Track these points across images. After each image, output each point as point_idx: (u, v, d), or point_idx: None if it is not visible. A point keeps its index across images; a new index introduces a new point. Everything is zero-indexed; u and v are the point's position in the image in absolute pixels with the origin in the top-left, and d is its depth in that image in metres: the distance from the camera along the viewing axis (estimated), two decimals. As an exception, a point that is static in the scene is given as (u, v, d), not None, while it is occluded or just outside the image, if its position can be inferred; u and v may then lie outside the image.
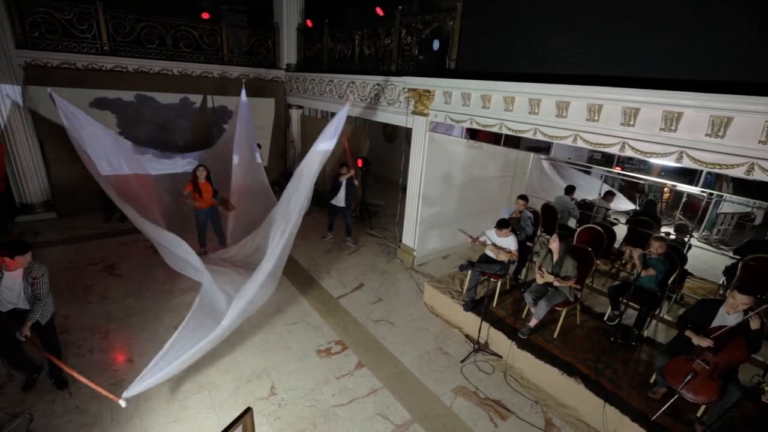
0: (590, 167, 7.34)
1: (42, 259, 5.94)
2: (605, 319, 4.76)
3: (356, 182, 6.72)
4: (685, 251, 5.21)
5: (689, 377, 3.11)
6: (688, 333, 3.23)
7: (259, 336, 4.51)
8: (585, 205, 7.11)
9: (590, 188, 7.83)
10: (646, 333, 4.50)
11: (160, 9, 7.94)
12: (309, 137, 9.58)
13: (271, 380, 3.88)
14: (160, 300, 5.04)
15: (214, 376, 3.86)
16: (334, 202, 6.67)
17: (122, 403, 3.07)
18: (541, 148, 4.62)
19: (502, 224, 4.63)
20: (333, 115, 8.99)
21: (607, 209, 7.09)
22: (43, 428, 3.16)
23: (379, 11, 6.64)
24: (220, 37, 8.38)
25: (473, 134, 5.14)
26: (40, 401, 3.41)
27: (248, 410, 1.83)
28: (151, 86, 7.73)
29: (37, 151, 6.92)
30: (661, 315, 4.87)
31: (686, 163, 3.29)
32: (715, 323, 3.20)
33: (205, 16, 8.42)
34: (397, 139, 11.10)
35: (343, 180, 6.49)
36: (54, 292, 5.07)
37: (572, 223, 6.94)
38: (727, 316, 3.14)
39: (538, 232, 5.76)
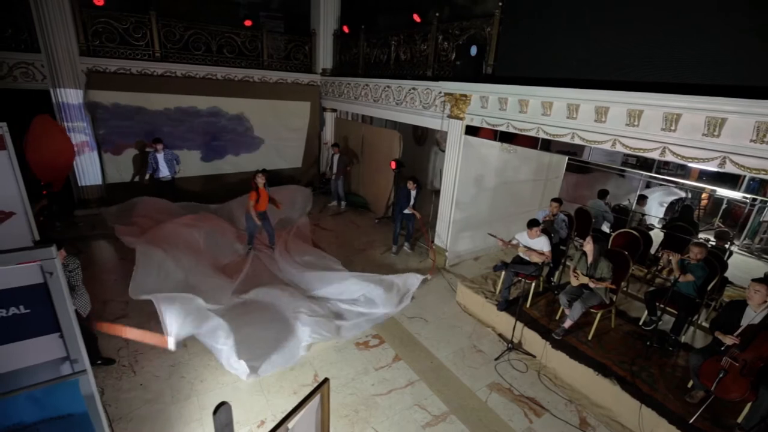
0: (624, 170, 7.27)
1: (101, 249, 6.44)
2: (641, 323, 4.76)
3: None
4: (725, 258, 5.13)
5: (721, 375, 3.18)
6: (717, 334, 3.34)
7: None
8: (620, 210, 7.05)
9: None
10: (683, 339, 4.48)
11: (205, 17, 8.41)
12: (342, 139, 9.86)
13: (314, 369, 4.10)
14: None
15: (261, 362, 4.12)
16: (406, 210, 6.65)
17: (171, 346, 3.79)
18: (572, 152, 4.70)
19: (531, 223, 4.70)
20: (363, 117, 9.36)
21: (643, 214, 7.02)
22: (112, 401, 3.49)
23: (416, 18, 6.83)
24: (260, 43, 8.76)
25: (509, 138, 5.24)
26: (109, 378, 3.75)
27: (326, 380, 2.00)
28: (196, 90, 8.17)
29: (95, 151, 7.44)
30: (699, 322, 4.82)
31: (729, 168, 3.31)
32: (743, 323, 3.28)
33: (248, 23, 8.84)
34: (427, 142, 11.21)
35: (413, 191, 6.55)
36: (114, 280, 5.51)
37: (606, 227, 6.90)
38: (754, 315, 3.22)
39: (572, 236, 5.78)
